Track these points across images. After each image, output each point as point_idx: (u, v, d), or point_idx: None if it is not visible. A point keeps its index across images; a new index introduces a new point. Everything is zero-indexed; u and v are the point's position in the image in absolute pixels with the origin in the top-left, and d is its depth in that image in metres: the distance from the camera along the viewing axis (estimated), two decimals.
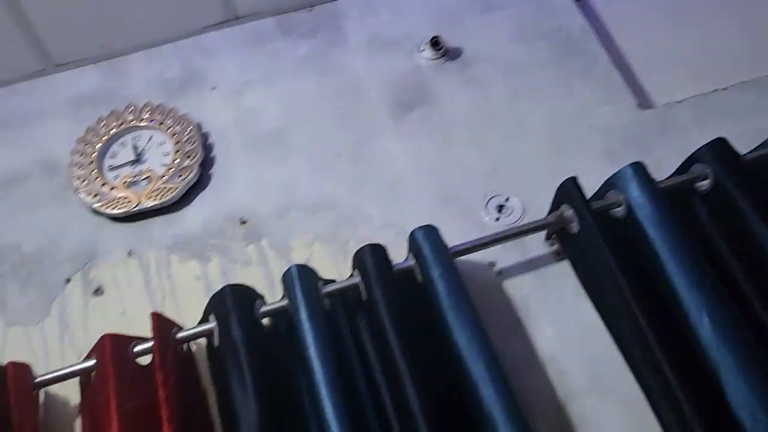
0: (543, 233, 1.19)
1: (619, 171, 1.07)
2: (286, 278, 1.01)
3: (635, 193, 1.04)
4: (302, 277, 1.00)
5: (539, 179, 1.27)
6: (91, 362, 0.97)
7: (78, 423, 1.05)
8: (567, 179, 1.07)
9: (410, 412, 0.89)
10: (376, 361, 1.00)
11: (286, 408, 0.96)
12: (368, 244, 1.03)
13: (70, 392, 1.08)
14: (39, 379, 0.99)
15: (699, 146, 1.09)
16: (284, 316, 1.02)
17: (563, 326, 1.12)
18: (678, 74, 1.45)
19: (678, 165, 1.13)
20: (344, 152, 1.35)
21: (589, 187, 1.09)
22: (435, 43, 1.45)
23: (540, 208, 1.22)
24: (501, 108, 1.40)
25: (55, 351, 1.14)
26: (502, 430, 0.89)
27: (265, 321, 1.02)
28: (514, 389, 0.93)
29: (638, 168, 1.05)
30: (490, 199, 1.26)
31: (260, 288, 1.06)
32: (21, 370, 0.99)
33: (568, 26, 1.52)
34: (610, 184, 1.09)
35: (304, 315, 0.96)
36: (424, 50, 1.48)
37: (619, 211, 1.07)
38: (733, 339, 0.92)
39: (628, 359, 1.05)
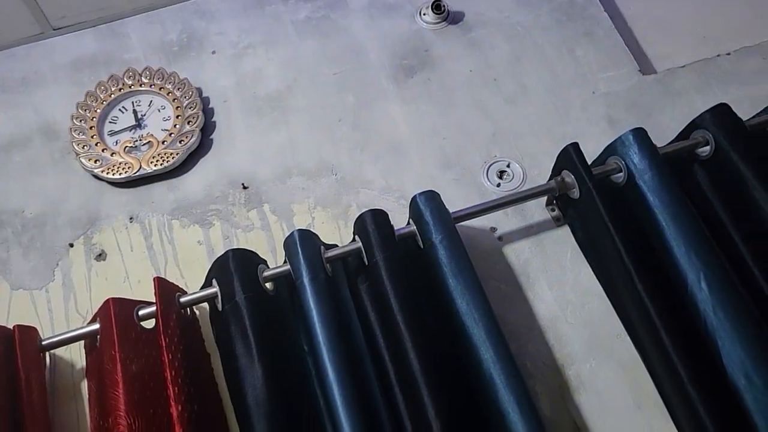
0: (544, 199, 1.19)
1: (620, 137, 1.07)
2: (288, 243, 1.02)
3: (636, 158, 1.04)
4: (304, 242, 1.01)
5: (540, 144, 1.27)
6: (96, 326, 0.98)
7: (84, 385, 1.07)
8: (568, 145, 1.07)
9: (411, 375, 0.91)
10: (377, 325, 1.01)
11: (289, 370, 0.97)
12: (370, 210, 1.04)
13: (76, 355, 1.09)
14: (45, 342, 1.01)
15: (701, 112, 1.09)
16: (286, 281, 1.04)
17: (562, 291, 1.13)
18: (680, 39, 1.45)
19: (679, 131, 1.14)
20: (345, 117, 1.35)
21: (590, 152, 1.09)
22: (437, 6, 1.44)
23: (541, 174, 1.23)
24: (503, 72, 1.39)
25: (60, 315, 1.15)
26: (502, 392, 0.91)
27: (268, 285, 1.02)
28: (513, 353, 0.95)
29: (639, 134, 1.05)
30: (491, 165, 1.26)
31: (262, 253, 1.07)
32: (27, 333, 1.00)
33: None
34: (611, 150, 1.09)
35: (306, 279, 0.97)
36: (425, 14, 1.47)
37: (620, 176, 1.07)
38: (730, 303, 0.93)
39: (625, 323, 1.07)
